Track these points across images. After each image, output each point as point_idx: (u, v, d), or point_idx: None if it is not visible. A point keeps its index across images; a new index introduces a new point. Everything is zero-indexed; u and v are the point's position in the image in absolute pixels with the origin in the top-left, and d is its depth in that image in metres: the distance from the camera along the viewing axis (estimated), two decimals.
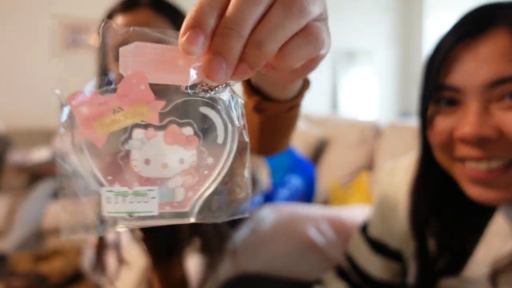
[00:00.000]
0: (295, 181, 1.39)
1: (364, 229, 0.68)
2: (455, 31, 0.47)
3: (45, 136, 2.92)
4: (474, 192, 0.46)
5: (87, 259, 1.99)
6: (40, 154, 2.63)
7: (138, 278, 1.03)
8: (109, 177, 0.25)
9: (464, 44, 0.45)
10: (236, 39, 0.24)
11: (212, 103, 0.27)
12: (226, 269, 0.91)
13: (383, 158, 1.60)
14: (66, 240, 2.30)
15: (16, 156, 2.64)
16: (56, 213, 2.31)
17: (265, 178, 1.25)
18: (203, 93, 0.26)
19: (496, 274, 0.46)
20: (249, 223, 1.00)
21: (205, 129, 0.27)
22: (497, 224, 0.49)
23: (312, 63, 0.30)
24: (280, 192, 1.33)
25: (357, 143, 1.83)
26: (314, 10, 0.26)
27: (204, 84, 0.26)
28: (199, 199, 0.27)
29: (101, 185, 0.25)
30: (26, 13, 3.08)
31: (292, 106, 0.43)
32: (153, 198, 0.25)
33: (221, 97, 0.27)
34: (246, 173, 0.28)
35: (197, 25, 0.23)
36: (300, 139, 2.14)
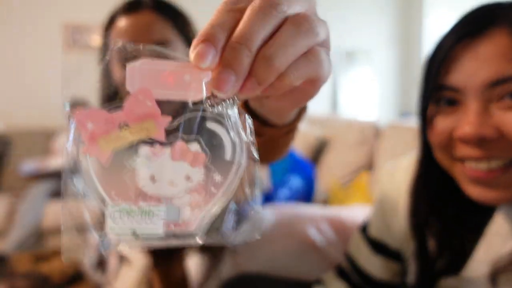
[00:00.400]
0: (295, 181, 1.39)
1: (364, 229, 0.68)
2: (455, 31, 0.47)
3: (45, 136, 2.92)
4: (474, 192, 0.46)
5: (87, 259, 1.99)
6: (57, 162, 2.61)
7: (138, 277, 1.03)
8: (113, 194, 0.25)
9: (464, 44, 0.45)
10: (245, 53, 0.24)
11: (219, 119, 0.26)
12: (226, 269, 0.92)
13: (383, 158, 1.60)
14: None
15: (29, 166, 2.61)
16: (56, 213, 2.31)
17: (265, 179, 1.25)
18: (210, 109, 0.26)
19: (496, 273, 0.46)
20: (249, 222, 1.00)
21: (213, 146, 0.26)
22: (497, 224, 0.49)
23: (311, 87, 0.31)
24: (280, 192, 1.33)
25: (357, 143, 1.83)
26: (321, 34, 0.28)
27: (212, 99, 0.26)
28: (206, 218, 0.26)
29: (104, 203, 0.25)
30: (27, 14, 3.08)
31: (289, 130, 0.44)
32: (159, 216, 0.25)
33: (229, 113, 0.27)
34: (251, 191, 0.28)
35: (208, 38, 0.24)
36: (300, 139, 2.14)
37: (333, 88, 3.86)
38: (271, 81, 0.26)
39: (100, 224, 0.25)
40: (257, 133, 0.42)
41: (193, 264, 0.95)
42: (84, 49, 3.19)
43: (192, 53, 0.24)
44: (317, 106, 3.73)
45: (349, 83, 3.91)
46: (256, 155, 0.28)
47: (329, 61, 0.29)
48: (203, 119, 0.26)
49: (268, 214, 1.01)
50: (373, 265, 0.65)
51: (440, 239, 0.54)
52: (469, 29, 0.45)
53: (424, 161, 0.55)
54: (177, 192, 0.26)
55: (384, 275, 0.65)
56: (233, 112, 0.27)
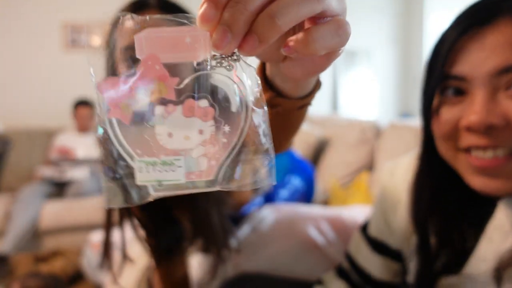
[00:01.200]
0: (295, 182, 1.39)
1: (364, 228, 0.68)
2: (460, 22, 0.48)
3: (45, 136, 2.92)
4: (478, 182, 0.46)
5: (87, 259, 1.99)
6: (79, 173, 2.61)
7: (139, 277, 1.03)
8: (138, 151, 0.28)
9: (470, 35, 0.46)
10: (241, 11, 0.26)
11: (224, 75, 0.29)
12: (226, 269, 0.91)
13: (383, 158, 1.60)
14: (66, 241, 2.29)
15: (47, 171, 2.59)
16: (53, 213, 2.31)
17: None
18: (214, 66, 0.28)
19: (500, 270, 0.46)
20: (249, 223, 1.00)
21: (220, 100, 0.29)
22: (498, 219, 0.49)
23: (331, 56, 0.31)
24: (280, 192, 1.33)
25: (357, 143, 1.83)
26: (331, 1, 0.28)
27: (214, 57, 0.28)
28: (222, 167, 0.29)
29: (133, 158, 0.28)
30: (27, 15, 3.08)
31: (303, 104, 0.45)
32: (180, 167, 0.28)
33: (232, 69, 0.29)
34: (264, 140, 0.30)
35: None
36: (300, 139, 2.14)
37: (333, 88, 3.86)
38: (273, 39, 0.27)
39: (131, 177, 0.29)
40: (271, 103, 0.43)
41: (195, 264, 0.95)
42: (83, 49, 3.19)
43: (198, 13, 0.26)
44: (317, 106, 3.73)
45: (349, 83, 3.91)
46: (264, 105, 0.29)
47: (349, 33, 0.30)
48: (208, 76, 0.29)
49: (268, 214, 1.01)
50: (373, 264, 0.65)
51: (440, 235, 0.54)
52: (474, 20, 0.46)
53: (426, 155, 0.55)
54: (193, 145, 0.28)
55: (384, 275, 0.65)
56: (238, 68, 0.29)
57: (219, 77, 0.29)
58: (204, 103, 0.28)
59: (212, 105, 0.28)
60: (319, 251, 0.90)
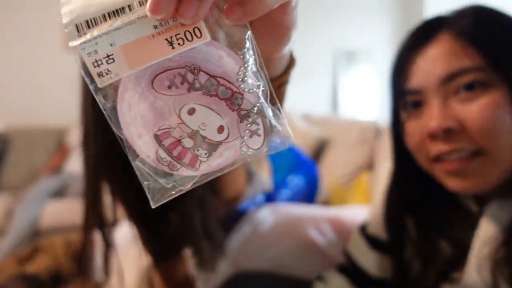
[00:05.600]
0: (298, 182, 1.38)
1: (363, 227, 0.70)
2: (408, 41, 0.53)
3: (45, 135, 2.92)
4: (451, 183, 0.50)
5: (91, 258, 1.97)
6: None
7: (139, 277, 1.03)
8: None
9: (417, 51, 0.51)
10: None
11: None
12: (226, 269, 0.91)
13: (383, 158, 1.60)
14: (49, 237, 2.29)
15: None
16: (55, 213, 2.31)
17: (266, 178, 1.24)
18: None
19: (495, 276, 0.47)
20: (249, 223, 1.00)
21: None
22: (484, 227, 0.50)
23: (287, 9, 0.30)
24: (283, 193, 1.33)
25: (357, 143, 1.83)
26: None
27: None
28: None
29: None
30: (26, 14, 3.08)
31: (280, 83, 0.46)
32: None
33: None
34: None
35: None
36: (300, 139, 2.14)
37: (333, 88, 3.86)
38: (258, 13, 0.26)
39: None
40: None
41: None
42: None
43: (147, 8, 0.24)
44: (317, 106, 3.73)
45: (349, 83, 3.91)
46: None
47: None
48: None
49: (268, 215, 1.01)
50: (371, 262, 0.66)
51: (415, 245, 0.57)
52: (419, 37, 0.52)
53: (398, 167, 0.60)
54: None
55: (382, 272, 0.65)
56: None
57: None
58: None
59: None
60: (320, 252, 0.90)
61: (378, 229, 0.66)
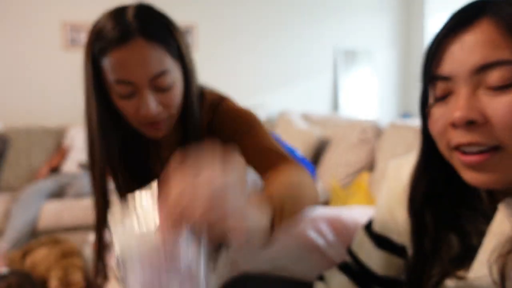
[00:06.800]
0: None
1: (368, 226, 0.69)
2: (445, 25, 0.51)
3: (44, 135, 2.91)
4: (469, 176, 0.48)
5: (87, 258, 1.98)
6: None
7: None
8: None
9: (452, 36, 0.48)
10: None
11: None
12: (226, 269, 0.91)
13: (384, 158, 1.60)
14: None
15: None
16: (52, 213, 2.30)
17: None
18: None
19: (502, 272, 0.47)
20: None
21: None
22: (498, 222, 0.49)
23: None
24: None
25: (358, 143, 1.82)
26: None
27: None
28: None
29: None
30: (26, 14, 3.08)
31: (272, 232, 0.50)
32: None
33: None
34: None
35: None
36: (300, 139, 2.14)
37: (333, 88, 3.86)
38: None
39: None
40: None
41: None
42: (83, 48, 3.19)
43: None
44: (317, 106, 3.73)
45: (349, 83, 3.90)
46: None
47: None
48: None
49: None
50: (376, 260, 0.66)
51: (432, 233, 0.56)
52: (457, 22, 0.49)
53: (424, 152, 0.58)
54: None
55: (387, 271, 0.65)
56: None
57: None
58: None
59: None
60: (319, 252, 0.90)
61: (386, 229, 0.65)
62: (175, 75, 0.70)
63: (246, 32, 3.55)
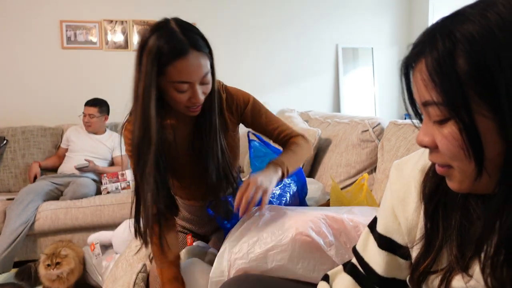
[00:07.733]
0: (293, 186, 1.38)
1: (372, 226, 0.70)
2: (407, 55, 0.55)
3: (41, 135, 2.91)
4: (447, 183, 0.54)
5: (87, 259, 1.98)
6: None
7: (134, 279, 1.02)
8: None
9: (412, 67, 0.53)
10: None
11: None
12: (223, 270, 0.90)
13: (385, 158, 1.58)
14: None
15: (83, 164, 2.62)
16: (48, 214, 2.29)
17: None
18: None
19: (496, 277, 0.47)
20: (247, 223, 0.99)
21: None
22: (486, 232, 0.50)
23: None
24: (279, 197, 1.32)
25: (358, 143, 1.81)
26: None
27: None
28: None
29: None
30: (25, 14, 3.08)
31: None
32: None
33: None
34: None
35: None
36: None
37: (335, 88, 3.85)
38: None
39: None
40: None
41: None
42: (81, 47, 3.18)
43: None
44: (318, 105, 3.72)
45: (351, 82, 3.89)
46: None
47: None
48: None
49: (267, 215, 1.01)
50: (379, 261, 0.66)
51: (444, 217, 0.57)
52: (414, 54, 0.52)
53: None
54: None
55: (389, 272, 0.65)
56: None
57: None
58: None
59: None
60: (319, 252, 0.89)
61: (389, 229, 0.66)
62: (210, 72, 0.99)
63: (247, 31, 3.55)
